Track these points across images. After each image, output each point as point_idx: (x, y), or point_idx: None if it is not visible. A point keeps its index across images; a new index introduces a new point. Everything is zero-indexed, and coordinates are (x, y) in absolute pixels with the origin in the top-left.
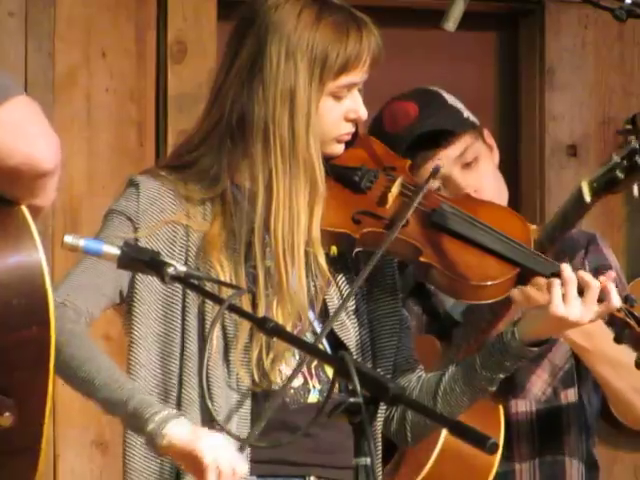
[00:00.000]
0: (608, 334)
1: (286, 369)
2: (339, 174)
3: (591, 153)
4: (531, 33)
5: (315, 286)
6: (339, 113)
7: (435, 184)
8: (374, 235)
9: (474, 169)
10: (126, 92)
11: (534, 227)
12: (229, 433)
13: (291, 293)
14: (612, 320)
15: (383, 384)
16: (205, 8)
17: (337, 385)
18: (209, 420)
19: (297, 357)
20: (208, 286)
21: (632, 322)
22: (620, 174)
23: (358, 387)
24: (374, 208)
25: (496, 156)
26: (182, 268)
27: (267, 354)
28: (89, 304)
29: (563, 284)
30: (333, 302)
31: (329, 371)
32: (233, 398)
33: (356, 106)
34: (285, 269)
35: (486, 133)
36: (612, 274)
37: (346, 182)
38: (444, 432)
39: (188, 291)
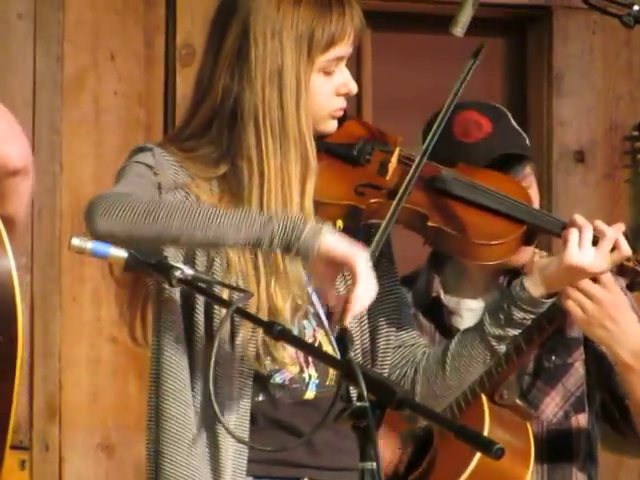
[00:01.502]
0: None
1: (289, 347)
2: (336, 151)
3: (598, 159)
4: (539, 39)
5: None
6: (330, 88)
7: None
8: (379, 205)
9: None
10: (134, 95)
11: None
12: (233, 436)
13: (287, 271)
14: (622, 270)
15: (389, 388)
16: (214, 11)
17: (332, 379)
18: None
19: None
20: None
21: None
22: None
23: (364, 391)
24: (375, 179)
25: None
26: (189, 271)
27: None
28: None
29: (579, 231)
30: None
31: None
32: (236, 383)
33: (346, 80)
34: None
35: (533, 165)
36: (621, 226)
37: (344, 157)
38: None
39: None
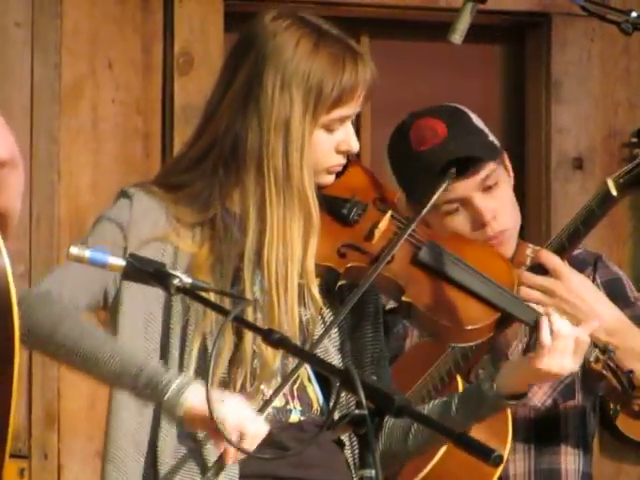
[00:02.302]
0: (631, 328)
1: (267, 389)
2: (328, 204)
3: (597, 166)
4: (537, 46)
5: (306, 317)
6: (331, 145)
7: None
8: (358, 270)
9: (494, 193)
10: (132, 103)
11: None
12: (238, 448)
13: (282, 323)
14: (589, 372)
15: (388, 396)
16: (212, 20)
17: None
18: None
19: (279, 378)
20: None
21: (609, 374)
22: None
23: (363, 399)
24: (360, 242)
25: (512, 180)
26: (187, 280)
27: (252, 379)
28: (75, 295)
29: (553, 339)
30: (317, 332)
31: (312, 393)
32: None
33: (348, 138)
34: (277, 300)
35: (505, 157)
36: (595, 323)
37: (334, 213)
38: None
39: (173, 301)
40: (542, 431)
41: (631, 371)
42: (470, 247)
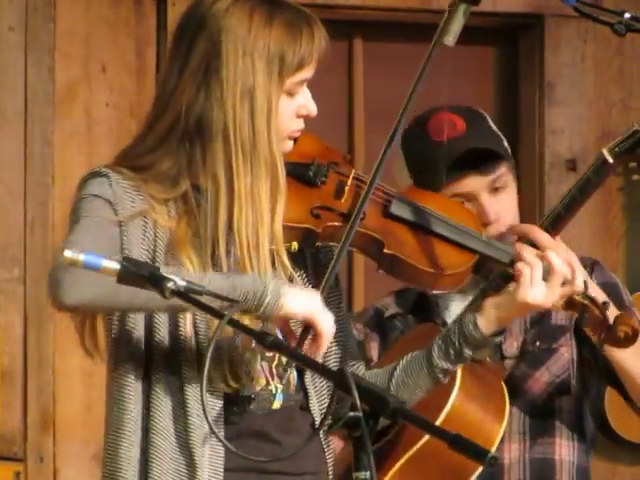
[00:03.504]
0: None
1: (252, 370)
2: (292, 170)
3: None
4: (530, 48)
5: None
6: (292, 110)
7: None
8: (334, 229)
9: (500, 196)
10: (126, 107)
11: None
12: (230, 447)
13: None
14: (571, 303)
15: (383, 398)
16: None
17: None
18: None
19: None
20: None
21: (590, 304)
22: None
23: (358, 401)
24: (331, 202)
25: (516, 189)
26: (182, 282)
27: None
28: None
29: (530, 268)
30: None
31: (291, 369)
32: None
33: (307, 102)
34: (250, 268)
35: (513, 165)
36: (574, 258)
37: (300, 178)
38: (452, 399)
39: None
40: (537, 421)
41: (606, 302)
42: (434, 198)
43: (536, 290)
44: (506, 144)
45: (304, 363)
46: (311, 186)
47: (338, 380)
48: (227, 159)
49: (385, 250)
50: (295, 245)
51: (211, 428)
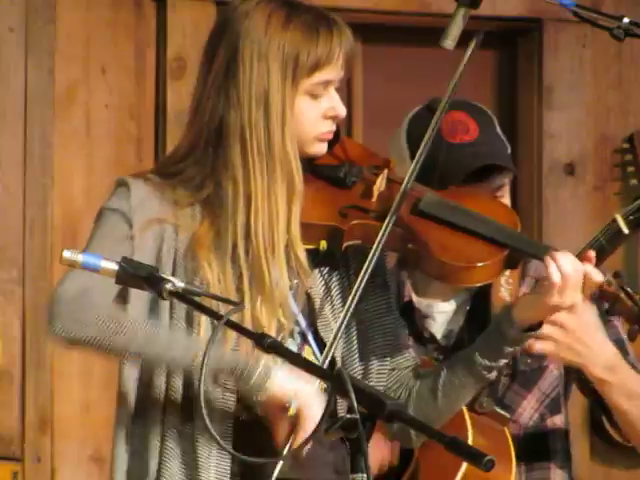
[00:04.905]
0: (627, 367)
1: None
2: (322, 173)
3: (588, 171)
4: (529, 52)
5: (297, 283)
6: (317, 112)
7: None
8: (362, 227)
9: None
10: (125, 108)
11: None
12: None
13: (274, 291)
14: (603, 294)
15: (380, 400)
16: (204, 25)
17: None
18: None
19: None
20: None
21: (622, 295)
22: None
23: (355, 403)
24: (359, 201)
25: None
26: (180, 284)
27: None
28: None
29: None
30: (319, 297)
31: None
32: (219, 403)
33: (334, 104)
34: (267, 268)
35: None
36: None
37: (331, 179)
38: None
39: None
40: (531, 447)
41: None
42: (468, 196)
43: (564, 293)
44: (509, 151)
45: (301, 365)
46: (341, 187)
47: (335, 382)
48: (244, 162)
49: (409, 246)
50: (324, 244)
51: (215, 439)
